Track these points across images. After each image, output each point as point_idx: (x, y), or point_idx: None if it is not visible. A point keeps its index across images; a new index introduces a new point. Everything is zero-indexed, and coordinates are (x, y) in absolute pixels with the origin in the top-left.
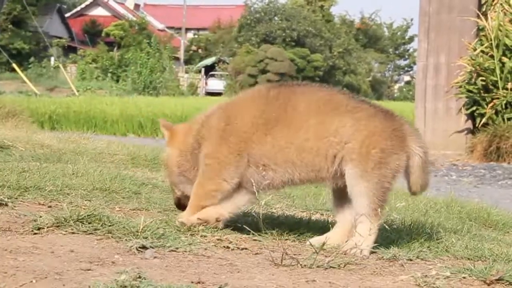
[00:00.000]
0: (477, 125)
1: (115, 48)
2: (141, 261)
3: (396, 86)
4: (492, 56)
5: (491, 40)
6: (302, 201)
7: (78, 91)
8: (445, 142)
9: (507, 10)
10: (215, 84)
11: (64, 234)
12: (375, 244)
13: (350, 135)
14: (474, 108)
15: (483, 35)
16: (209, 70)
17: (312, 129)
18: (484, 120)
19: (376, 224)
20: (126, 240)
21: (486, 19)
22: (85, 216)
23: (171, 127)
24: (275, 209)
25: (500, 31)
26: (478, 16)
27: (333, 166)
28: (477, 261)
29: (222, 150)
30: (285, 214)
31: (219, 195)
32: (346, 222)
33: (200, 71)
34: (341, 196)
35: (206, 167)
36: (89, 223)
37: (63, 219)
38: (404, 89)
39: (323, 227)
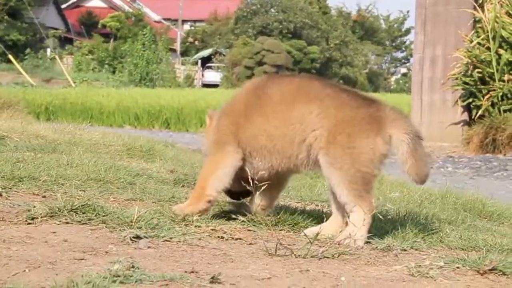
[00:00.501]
0: (473, 117)
1: (111, 40)
2: (134, 251)
3: (393, 78)
4: (488, 48)
5: (487, 32)
6: (297, 192)
7: (74, 82)
8: (441, 134)
9: (503, 2)
10: (212, 76)
11: (58, 224)
12: (369, 234)
13: (317, 123)
14: (470, 100)
15: (480, 27)
16: (205, 62)
17: (281, 116)
18: (480, 112)
19: (369, 213)
20: (120, 230)
21: (483, 11)
22: (79, 206)
23: (211, 115)
24: None
25: (497, 23)
26: (474, 8)
27: (302, 153)
28: (471, 251)
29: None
30: (279, 205)
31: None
32: (341, 213)
33: (196, 63)
34: None
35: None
36: (83, 213)
37: (57, 209)
38: (401, 81)
39: (317, 218)
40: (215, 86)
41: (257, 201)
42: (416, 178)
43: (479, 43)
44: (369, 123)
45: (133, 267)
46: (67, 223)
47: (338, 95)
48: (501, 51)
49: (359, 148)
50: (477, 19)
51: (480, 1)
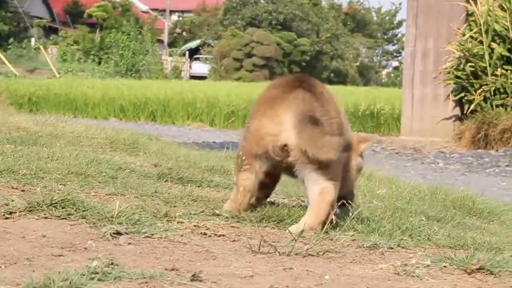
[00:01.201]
0: (465, 112)
1: (97, 30)
2: (114, 247)
3: (384, 72)
4: (481, 42)
5: (480, 25)
6: (283, 188)
7: (59, 73)
8: (433, 129)
9: None
10: (200, 67)
11: (37, 219)
12: (356, 232)
13: None
14: (462, 94)
15: (472, 20)
16: (193, 53)
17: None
18: (472, 106)
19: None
20: (100, 225)
21: (476, 4)
22: (58, 201)
23: None
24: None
25: (490, 16)
26: (467, 1)
27: None
28: (459, 249)
29: None
30: (265, 201)
31: None
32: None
33: (184, 54)
34: None
35: None
36: (63, 208)
37: (36, 203)
38: (392, 75)
39: (303, 215)
40: (203, 78)
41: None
42: (312, 157)
43: (471, 37)
44: (264, 104)
45: (112, 264)
46: (46, 218)
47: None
48: (494, 45)
49: (249, 129)
50: (469, 12)
51: None
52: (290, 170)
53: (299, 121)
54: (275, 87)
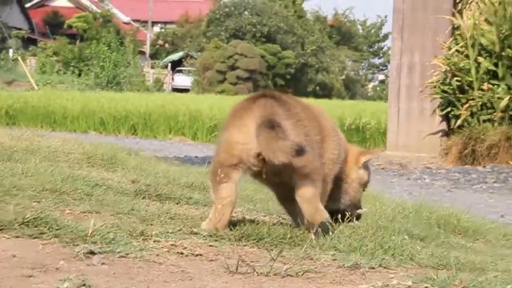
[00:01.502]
0: (452, 127)
1: (78, 41)
2: (87, 267)
3: (370, 85)
4: (467, 56)
5: (466, 39)
6: (264, 205)
7: (37, 85)
8: (419, 144)
9: (482, 9)
10: (182, 80)
11: (8, 238)
12: (337, 251)
13: None
14: (449, 109)
15: (458, 34)
16: (176, 65)
17: None
18: (459, 122)
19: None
20: (73, 245)
21: (462, 17)
22: (31, 219)
23: None
24: (235, 213)
25: (476, 30)
26: (453, 15)
27: None
28: (442, 269)
29: None
30: (245, 219)
31: None
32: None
33: (166, 66)
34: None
35: None
36: (35, 227)
37: (7, 222)
38: (378, 88)
39: (284, 233)
40: (185, 90)
41: None
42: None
43: (457, 51)
44: (232, 116)
45: (84, 285)
46: (17, 237)
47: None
48: (480, 59)
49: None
50: (455, 25)
51: (459, 8)
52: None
53: (258, 125)
54: (244, 99)
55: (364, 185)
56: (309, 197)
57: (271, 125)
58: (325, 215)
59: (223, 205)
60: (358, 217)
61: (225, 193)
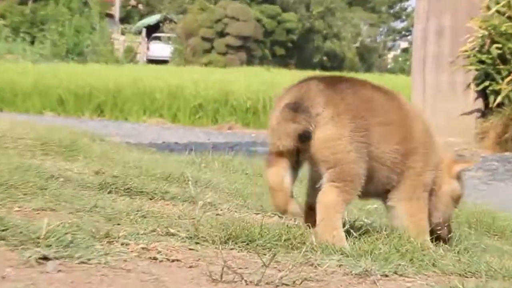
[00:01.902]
0: (490, 105)
1: (30, 1)
2: (40, 275)
3: (391, 55)
4: (510, 18)
5: None
6: (257, 201)
7: None
8: (449, 126)
9: None
10: (160, 49)
11: None
12: (343, 256)
13: None
14: (486, 83)
15: None
16: (152, 31)
17: None
18: (499, 99)
19: None
20: (23, 248)
21: None
22: None
23: None
24: (221, 210)
25: None
26: None
27: None
28: (470, 277)
29: None
30: (234, 217)
31: None
32: None
33: (140, 33)
34: None
35: None
36: None
37: None
38: (400, 59)
39: (279, 234)
40: (164, 62)
41: None
42: None
43: (498, 11)
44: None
45: None
46: None
47: None
48: None
49: None
50: None
51: None
52: None
53: (282, 107)
54: (297, 82)
55: (457, 200)
56: (327, 203)
57: (294, 108)
58: (339, 240)
59: (271, 187)
60: (447, 239)
61: (271, 173)
